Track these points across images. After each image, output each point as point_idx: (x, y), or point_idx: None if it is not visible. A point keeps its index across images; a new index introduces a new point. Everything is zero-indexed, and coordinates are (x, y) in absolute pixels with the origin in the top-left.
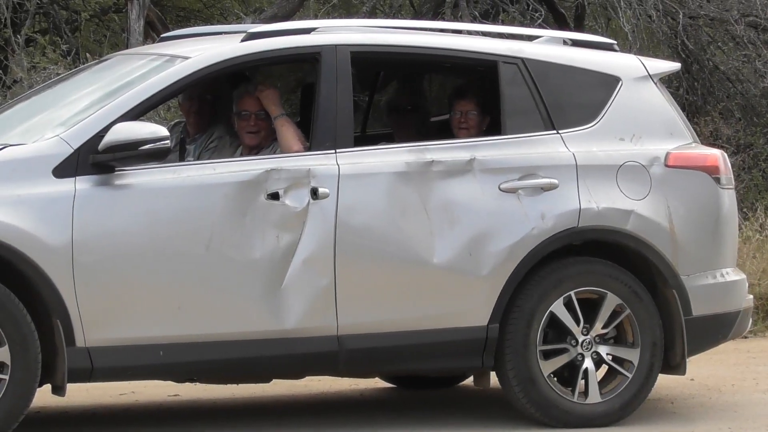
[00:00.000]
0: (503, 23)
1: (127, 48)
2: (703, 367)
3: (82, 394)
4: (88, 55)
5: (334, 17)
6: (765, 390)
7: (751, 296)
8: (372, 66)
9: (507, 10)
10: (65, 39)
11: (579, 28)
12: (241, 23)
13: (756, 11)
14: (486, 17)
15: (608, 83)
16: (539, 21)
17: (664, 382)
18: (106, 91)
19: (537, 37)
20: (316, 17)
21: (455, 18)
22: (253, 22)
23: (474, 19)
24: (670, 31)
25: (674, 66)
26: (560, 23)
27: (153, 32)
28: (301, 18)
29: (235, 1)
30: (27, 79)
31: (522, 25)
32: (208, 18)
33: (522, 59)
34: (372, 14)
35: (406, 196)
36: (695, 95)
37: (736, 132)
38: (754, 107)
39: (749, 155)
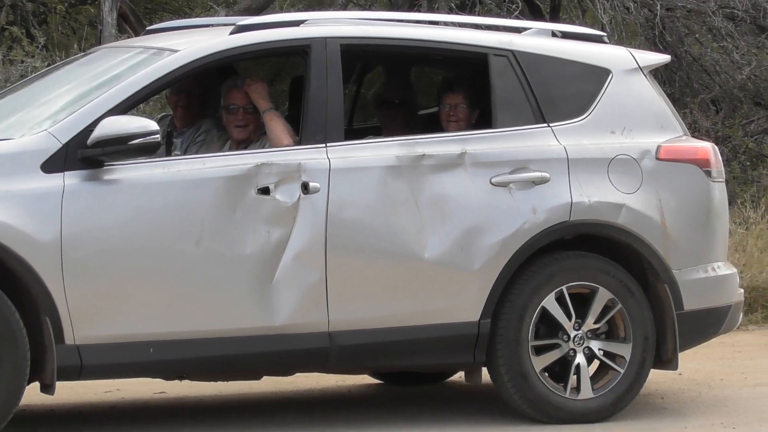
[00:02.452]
0: (479, 15)
1: (99, 41)
2: (690, 362)
3: (67, 391)
4: (75, 46)
5: (301, 10)
6: (754, 384)
7: (742, 290)
8: (361, 58)
9: (483, 1)
10: (43, 31)
11: (554, 19)
12: (213, 15)
13: (733, 2)
14: (462, 9)
15: (598, 75)
16: (516, 12)
17: (653, 377)
18: (93, 85)
19: (526, 29)
20: (281, 9)
21: (431, 9)
22: (227, 15)
23: (450, 11)
24: (648, 23)
25: (664, 58)
26: (536, 15)
27: (126, 24)
28: (271, 11)
29: None
30: (3, 72)
31: (499, 17)
32: (176, 10)
33: (512, 52)
34: (345, 7)
35: (397, 191)
36: (673, 87)
37: (715, 124)
38: (732, 99)
39: (728, 147)
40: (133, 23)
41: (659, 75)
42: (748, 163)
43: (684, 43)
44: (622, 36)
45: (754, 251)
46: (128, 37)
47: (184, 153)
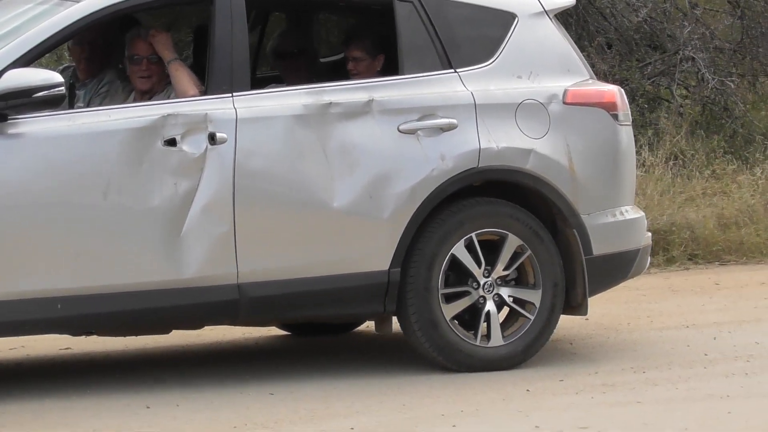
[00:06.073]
0: None
1: None
2: (596, 306)
3: None
4: None
5: None
6: (660, 328)
7: (650, 234)
8: (265, 6)
9: None
10: None
11: None
12: None
13: None
14: None
15: (504, 20)
16: None
17: (560, 322)
18: None
19: None
20: None
21: None
22: None
23: None
24: None
25: (569, 1)
26: None
27: None
28: None
29: None
30: None
31: None
32: None
33: None
34: None
35: (304, 140)
36: (570, 31)
37: (612, 67)
38: (628, 42)
39: (625, 90)
40: None
41: None
42: (645, 106)
43: None
44: None
45: (654, 195)
46: None
47: (87, 105)
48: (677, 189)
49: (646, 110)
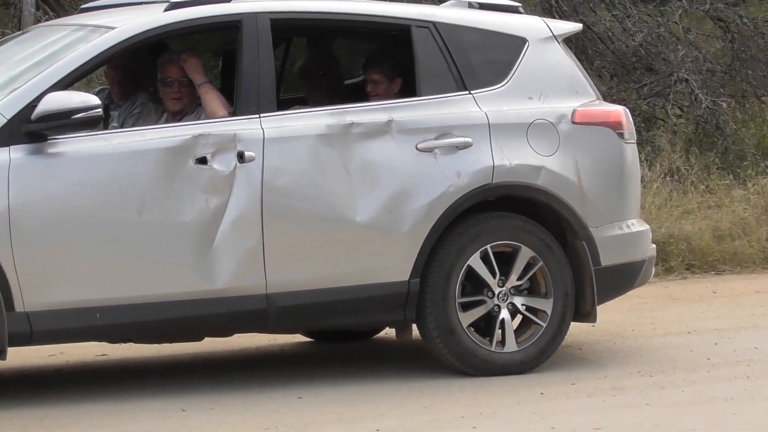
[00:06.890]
0: None
1: (19, 22)
2: (601, 314)
3: (11, 356)
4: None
5: None
6: (664, 334)
7: (654, 246)
8: (289, 32)
9: None
10: None
11: None
12: None
13: None
14: None
15: (515, 44)
16: None
17: (569, 329)
18: (33, 62)
19: (444, 0)
20: None
21: None
22: None
23: None
24: None
25: (576, 26)
26: None
27: (45, 5)
28: None
29: None
30: None
31: None
32: None
33: (433, 23)
34: None
35: (328, 158)
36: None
37: (610, 89)
38: (625, 65)
39: None
40: (51, 4)
41: None
42: (642, 125)
43: (578, 12)
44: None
45: (651, 208)
46: (48, 18)
47: (121, 125)
48: (674, 203)
49: (643, 129)
